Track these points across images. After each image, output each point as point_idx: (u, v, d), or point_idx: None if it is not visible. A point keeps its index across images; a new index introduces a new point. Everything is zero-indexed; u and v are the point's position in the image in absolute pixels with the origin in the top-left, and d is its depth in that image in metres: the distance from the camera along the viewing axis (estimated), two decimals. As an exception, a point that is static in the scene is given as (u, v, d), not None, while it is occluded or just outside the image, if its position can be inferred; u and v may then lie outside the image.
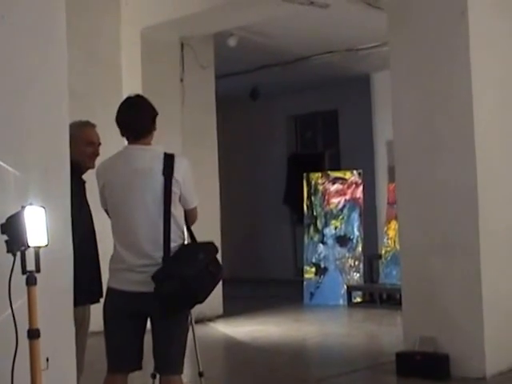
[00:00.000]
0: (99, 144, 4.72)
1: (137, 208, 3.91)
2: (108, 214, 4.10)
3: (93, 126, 4.74)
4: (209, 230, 8.06)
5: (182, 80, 9.62)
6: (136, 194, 3.91)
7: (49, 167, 3.80)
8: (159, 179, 3.90)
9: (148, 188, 3.91)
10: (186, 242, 4.04)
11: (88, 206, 4.63)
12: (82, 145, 4.55)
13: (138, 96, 4.14)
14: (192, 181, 4.03)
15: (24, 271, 3.12)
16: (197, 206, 4.11)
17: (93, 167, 4.58)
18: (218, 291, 8.90)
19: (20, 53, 3.78)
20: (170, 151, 4.03)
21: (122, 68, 9.25)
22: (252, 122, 14.63)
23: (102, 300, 4.24)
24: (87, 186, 4.65)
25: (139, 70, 9.14)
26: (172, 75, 9.50)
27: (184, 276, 3.78)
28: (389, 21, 6.75)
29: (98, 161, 4.43)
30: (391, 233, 10.80)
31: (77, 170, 4.32)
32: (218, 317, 9.72)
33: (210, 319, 9.51)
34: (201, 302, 3.90)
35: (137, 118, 4.01)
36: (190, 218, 4.10)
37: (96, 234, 4.64)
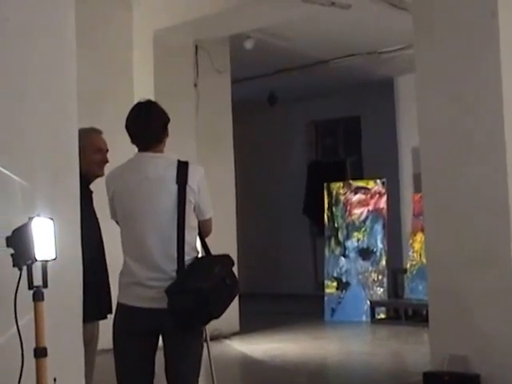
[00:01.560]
0: (107, 150, 4.73)
1: (148, 218, 3.89)
2: (118, 224, 4.08)
3: (99, 132, 4.75)
4: (225, 242, 8.05)
5: (196, 85, 9.63)
6: (147, 203, 3.89)
7: (57, 176, 3.80)
8: (172, 188, 3.88)
9: (160, 197, 3.89)
10: (199, 255, 4.02)
11: (96, 217, 4.63)
12: (90, 152, 4.56)
13: (148, 101, 4.11)
14: (207, 190, 4.01)
15: (31, 286, 3.11)
16: (212, 217, 4.09)
17: (102, 175, 4.58)
18: (234, 307, 8.84)
19: (26, 56, 3.79)
20: (183, 159, 4.01)
21: (133, 72, 9.26)
22: (270, 129, 14.64)
23: (111, 316, 4.22)
24: (95, 194, 4.65)
25: (151, 74, 9.15)
26: (186, 80, 9.51)
27: (200, 290, 3.75)
28: (414, 22, 6.73)
29: (107, 168, 4.43)
30: (417, 245, 10.74)
31: (84, 180, 4.32)
32: (235, 334, 9.70)
33: (226, 336, 9.49)
34: (216, 317, 3.87)
35: (147, 125, 3.99)
36: (204, 229, 4.07)
37: (104, 247, 4.63)
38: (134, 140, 4.02)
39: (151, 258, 3.86)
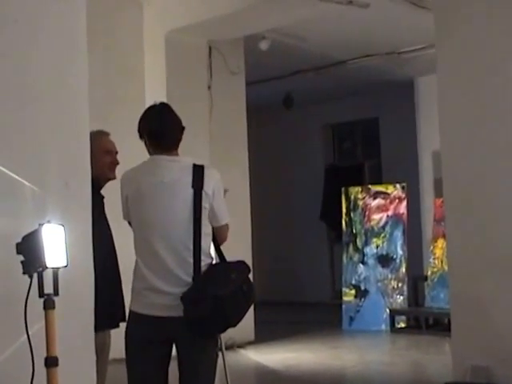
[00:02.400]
0: (116, 152, 4.75)
1: (162, 224, 3.89)
2: (131, 226, 4.08)
3: (107, 134, 4.78)
4: (239, 247, 8.05)
5: (209, 87, 9.64)
6: (162, 208, 3.90)
7: (68, 181, 3.81)
8: (188, 193, 3.88)
9: (175, 202, 3.90)
10: (213, 262, 4.02)
11: (107, 222, 4.65)
12: (100, 155, 4.58)
13: (165, 104, 4.13)
14: (223, 195, 4.02)
15: (41, 294, 3.12)
16: (228, 223, 4.09)
17: (114, 177, 4.60)
18: (249, 315, 8.81)
19: (36, 59, 3.81)
20: (198, 163, 4.01)
21: (144, 74, 9.29)
22: (285, 132, 14.63)
23: (123, 324, 4.23)
24: (106, 197, 4.67)
25: (163, 76, 9.17)
26: (199, 82, 9.52)
27: (217, 297, 3.76)
28: (435, 21, 6.72)
29: (119, 171, 4.44)
30: (438, 252, 10.70)
31: (95, 185, 4.33)
32: (249, 343, 9.69)
33: (241, 346, 9.48)
34: (234, 325, 3.88)
35: (169, 128, 4.00)
36: (219, 236, 4.06)
37: (117, 253, 4.65)
38: (153, 143, 4.01)
39: (166, 265, 3.86)
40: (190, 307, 3.76)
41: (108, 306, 4.36)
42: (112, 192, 4.41)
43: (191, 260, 3.84)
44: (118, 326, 4.53)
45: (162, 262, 3.87)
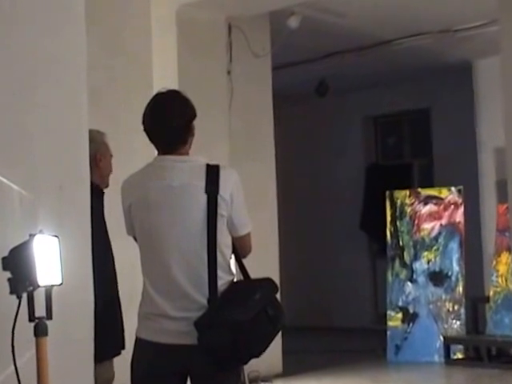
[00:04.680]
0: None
1: (172, 235, 3.90)
2: (136, 241, 4.10)
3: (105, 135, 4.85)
4: (264, 263, 8.06)
5: (229, 72, 9.67)
6: (171, 217, 3.91)
7: (64, 186, 3.83)
8: (201, 198, 3.89)
9: (186, 210, 3.90)
10: (235, 279, 4.03)
11: (107, 234, 4.68)
12: (109, 160, 4.63)
13: (171, 92, 4.10)
14: (243, 199, 4.01)
15: (32, 318, 3.14)
16: (249, 232, 4.10)
17: (107, 186, 4.65)
18: (276, 343, 8.87)
19: (25, 42, 3.83)
20: (214, 162, 4.00)
21: (152, 57, 9.32)
22: (319, 125, 14.64)
23: (124, 352, 4.24)
24: (108, 207, 4.70)
25: (175, 60, 9.20)
26: (217, 66, 9.54)
27: (237, 322, 3.75)
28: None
29: (121, 176, 4.47)
30: (502, 268, 10.65)
31: (95, 190, 4.36)
32: (276, 376, 9.70)
33: (266, 379, 9.48)
34: (257, 355, 3.87)
35: (168, 122, 3.97)
36: (241, 248, 4.06)
37: (116, 270, 4.67)
38: (152, 140, 4.03)
39: (177, 284, 3.87)
40: (205, 334, 3.76)
41: (110, 330, 4.37)
42: (113, 201, 4.42)
43: (207, 278, 3.85)
44: (119, 353, 4.55)
45: (173, 282, 3.87)
